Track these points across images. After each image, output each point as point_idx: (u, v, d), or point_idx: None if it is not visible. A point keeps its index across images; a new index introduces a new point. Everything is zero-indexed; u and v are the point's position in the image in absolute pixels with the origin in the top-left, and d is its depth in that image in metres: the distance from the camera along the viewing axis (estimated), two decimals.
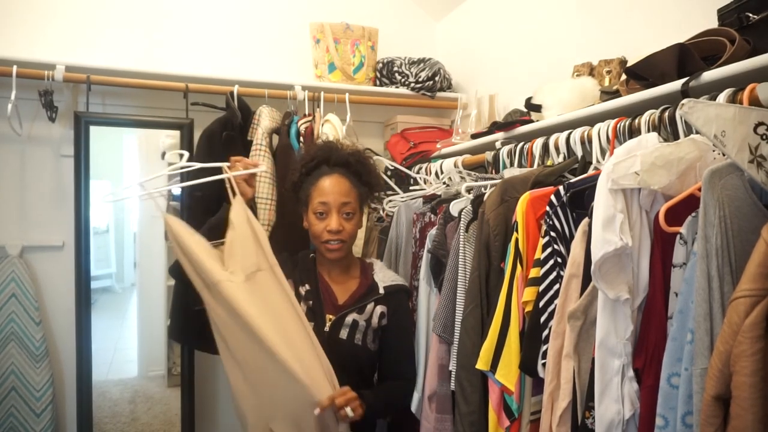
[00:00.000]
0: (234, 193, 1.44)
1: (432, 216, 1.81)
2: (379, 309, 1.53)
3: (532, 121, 1.78)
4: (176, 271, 1.49)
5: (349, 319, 1.50)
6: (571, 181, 1.27)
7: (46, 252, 2.13)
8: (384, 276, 1.59)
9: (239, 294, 1.33)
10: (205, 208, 1.61)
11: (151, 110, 2.20)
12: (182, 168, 1.50)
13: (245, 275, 1.37)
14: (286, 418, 1.37)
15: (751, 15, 1.20)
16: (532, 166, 1.60)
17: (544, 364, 1.19)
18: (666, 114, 1.20)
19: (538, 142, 1.58)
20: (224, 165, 1.48)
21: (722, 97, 1.08)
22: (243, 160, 1.49)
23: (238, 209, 1.42)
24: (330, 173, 1.52)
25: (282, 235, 1.98)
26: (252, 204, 1.52)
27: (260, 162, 2.03)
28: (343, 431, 1.39)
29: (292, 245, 1.68)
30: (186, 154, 1.53)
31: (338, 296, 1.55)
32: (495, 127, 1.92)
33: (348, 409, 1.33)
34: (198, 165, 1.52)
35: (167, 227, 1.38)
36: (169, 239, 1.44)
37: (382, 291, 1.54)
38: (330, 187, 1.50)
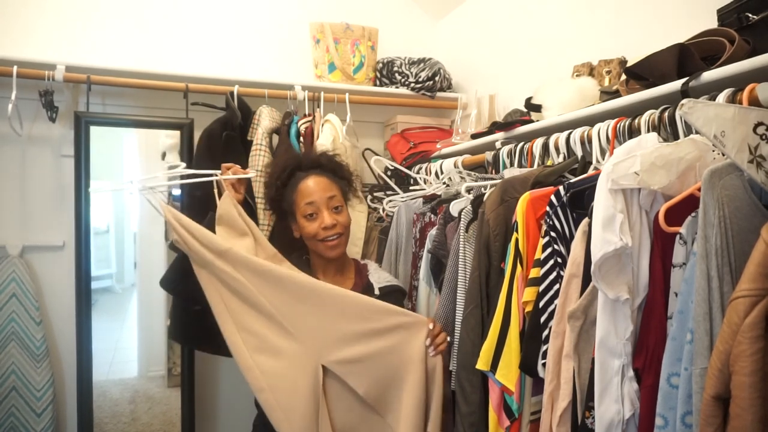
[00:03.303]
0: (220, 195, 1.48)
1: (432, 216, 1.81)
2: None
3: (532, 121, 1.78)
4: (168, 281, 1.52)
5: None
6: (571, 181, 1.27)
7: (47, 252, 2.13)
8: (379, 277, 1.59)
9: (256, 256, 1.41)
10: (204, 208, 1.61)
11: (151, 110, 2.20)
12: (178, 172, 1.58)
13: None
14: (343, 345, 1.39)
15: (750, 15, 1.20)
16: (532, 166, 1.60)
17: (544, 364, 1.19)
18: (666, 114, 1.20)
19: (538, 142, 1.58)
20: (217, 172, 1.55)
21: (722, 97, 1.08)
22: (234, 167, 1.55)
23: (227, 205, 1.47)
24: (306, 176, 1.53)
25: (283, 236, 1.97)
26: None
27: (259, 162, 2.03)
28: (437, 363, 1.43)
29: (293, 245, 1.68)
30: (183, 164, 1.64)
31: None
32: (495, 127, 1.92)
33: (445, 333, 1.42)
34: (191, 171, 1.59)
35: (166, 212, 1.42)
36: (169, 239, 1.44)
37: (377, 291, 1.53)
38: (312, 187, 1.51)
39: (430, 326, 1.39)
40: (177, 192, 2.03)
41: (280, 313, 1.38)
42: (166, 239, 1.46)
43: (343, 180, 1.59)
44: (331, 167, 1.58)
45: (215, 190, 1.53)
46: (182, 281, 1.45)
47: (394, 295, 1.57)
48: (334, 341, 1.38)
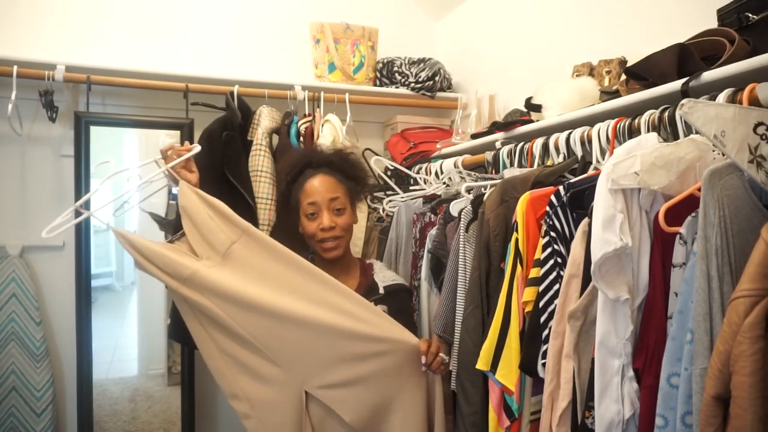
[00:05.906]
0: (176, 184, 1.38)
1: (432, 216, 1.81)
2: (380, 308, 1.53)
3: (532, 121, 1.78)
4: (174, 330, 1.49)
5: None
6: (571, 181, 1.27)
7: (47, 252, 2.13)
8: (384, 276, 1.59)
9: (222, 276, 1.31)
10: None
11: (151, 110, 2.20)
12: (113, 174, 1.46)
13: (221, 255, 1.33)
14: (326, 370, 1.33)
15: (750, 15, 1.20)
16: (532, 166, 1.60)
17: (544, 364, 1.19)
18: (666, 114, 1.20)
19: (538, 142, 1.58)
20: (156, 159, 1.42)
21: (722, 97, 1.08)
22: (175, 148, 1.42)
23: (185, 194, 1.36)
24: (314, 174, 1.53)
25: (283, 235, 1.97)
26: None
27: (259, 162, 2.02)
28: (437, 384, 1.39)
29: (293, 245, 1.68)
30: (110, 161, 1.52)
31: None
32: (495, 127, 1.92)
33: (443, 355, 1.37)
34: (128, 169, 1.50)
35: (120, 239, 1.32)
36: (169, 238, 1.42)
37: (382, 291, 1.53)
38: (316, 187, 1.51)
39: (423, 358, 1.34)
40: (176, 191, 2.03)
41: (256, 339, 1.32)
42: (166, 238, 1.44)
43: (352, 181, 1.58)
44: (341, 167, 1.56)
45: (167, 178, 1.41)
46: (186, 329, 1.39)
47: (399, 294, 1.57)
48: (317, 366, 1.33)
